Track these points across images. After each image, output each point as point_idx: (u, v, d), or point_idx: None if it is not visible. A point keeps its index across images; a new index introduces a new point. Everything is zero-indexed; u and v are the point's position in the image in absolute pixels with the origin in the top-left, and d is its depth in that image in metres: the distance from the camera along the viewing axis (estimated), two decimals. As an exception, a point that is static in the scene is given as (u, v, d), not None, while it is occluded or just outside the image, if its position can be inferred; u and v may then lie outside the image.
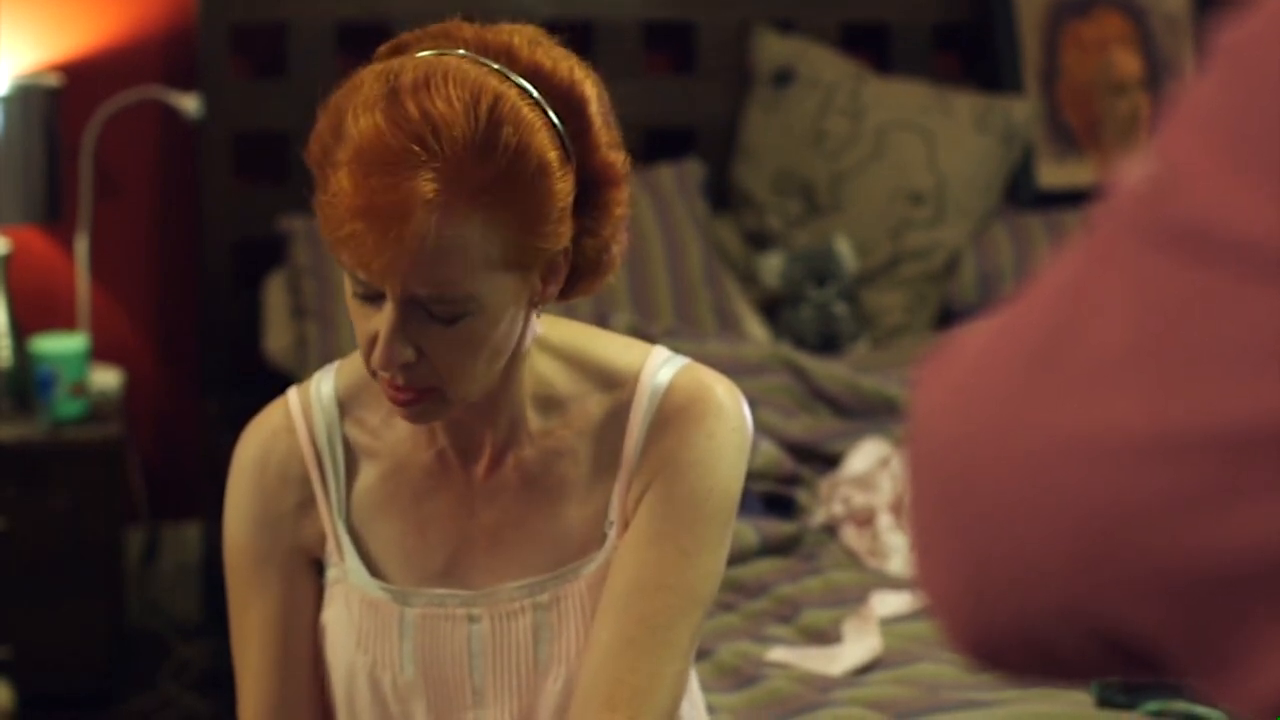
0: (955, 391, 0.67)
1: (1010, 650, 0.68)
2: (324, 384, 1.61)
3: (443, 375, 1.45)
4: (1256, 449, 0.58)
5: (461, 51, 1.43)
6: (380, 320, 1.43)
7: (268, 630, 1.59)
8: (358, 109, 1.39)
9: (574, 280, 1.52)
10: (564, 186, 1.43)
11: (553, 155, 1.41)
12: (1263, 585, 0.59)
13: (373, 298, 1.44)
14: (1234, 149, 0.60)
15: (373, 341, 1.45)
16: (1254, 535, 0.59)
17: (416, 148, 1.36)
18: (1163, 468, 0.60)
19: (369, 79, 1.42)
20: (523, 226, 1.41)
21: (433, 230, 1.37)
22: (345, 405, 1.60)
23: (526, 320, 1.50)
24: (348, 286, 1.46)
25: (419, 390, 1.46)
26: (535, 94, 1.42)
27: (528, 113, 1.41)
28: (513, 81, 1.42)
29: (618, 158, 1.48)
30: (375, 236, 1.37)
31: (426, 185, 1.36)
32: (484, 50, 1.44)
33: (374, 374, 1.48)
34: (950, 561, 0.68)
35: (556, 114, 1.43)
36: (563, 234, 1.45)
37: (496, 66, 1.43)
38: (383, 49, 1.48)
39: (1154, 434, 0.60)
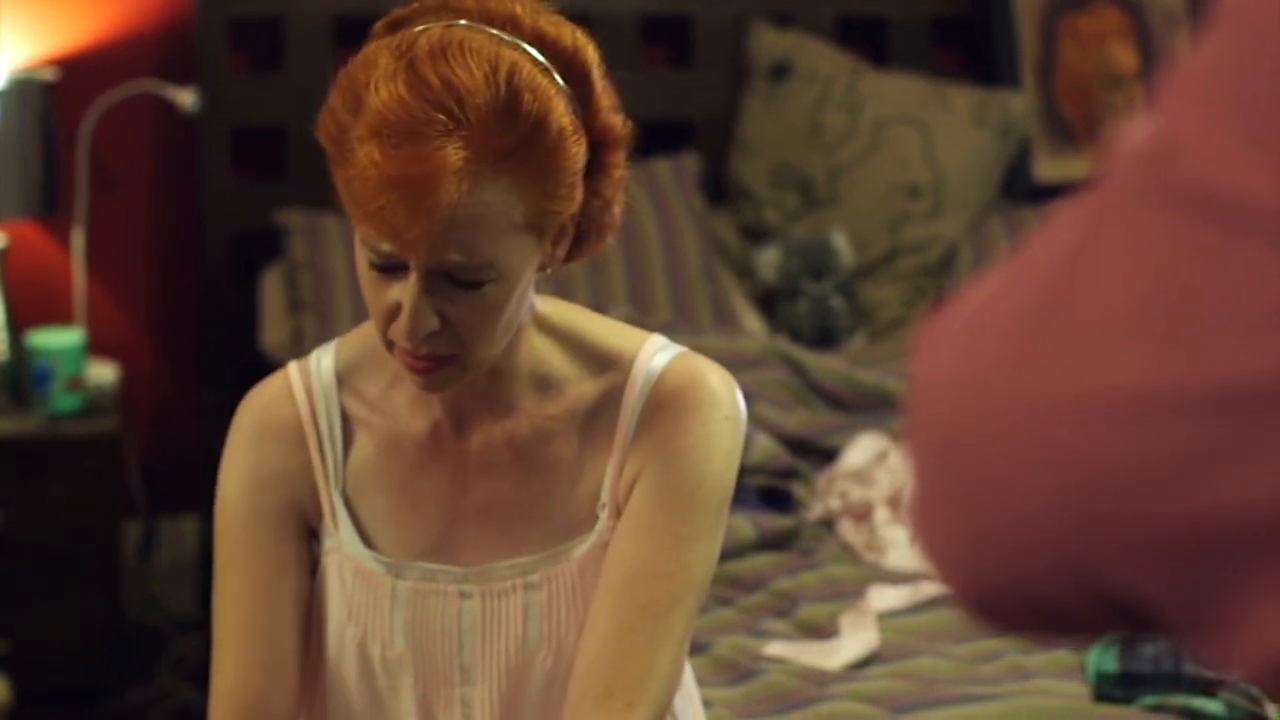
0: (953, 355, 0.68)
1: (1011, 609, 0.69)
2: (324, 359, 1.62)
3: (464, 342, 1.47)
4: (1255, 408, 0.58)
5: (464, 22, 1.45)
6: (402, 291, 1.45)
7: (255, 590, 1.58)
8: (376, 82, 1.41)
9: (576, 243, 1.54)
10: (578, 151, 1.46)
11: (567, 121, 1.45)
12: (1261, 544, 0.59)
13: (392, 269, 1.45)
14: (1236, 110, 0.60)
15: (391, 313, 1.47)
16: (1252, 494, 0.59)
17: (442, 116, 1.39)
18: (1161, 427, 0.60)
19: (382, 52, 1.43)
20: (543, 191, 1.44)
21: (462, 198, 1.40)
22: (343, 378, 1.61)
23: (532, 284, 1.53)
24: (362, 259, 1.47)
25: (438, 358, 1.47)
26: (544, 61, 1.45)
27: (542, 80, 1.44)
28: (523, 49, 1.44)
29: (617, 120, 1.52)
30: (407, 207, 1.39)
31: (455, 154, 1.39)
32: (488, 20, 1.46)
33: (389, 346, 1.49)
34: (951, 522, 0.68)
35: (564, 79, 1.46)
36: (576, 198, 1.48)
37: (504, 35, 1.45)
38: (379, 25, 1.50)
39: (1153, 393, 0.60)
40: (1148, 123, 0.63)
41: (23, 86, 3.50)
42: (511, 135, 1.41)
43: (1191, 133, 0.61)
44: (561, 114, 1.44)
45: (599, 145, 1.50)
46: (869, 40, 4.17)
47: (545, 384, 1.58)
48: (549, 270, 1.52)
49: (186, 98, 3.72)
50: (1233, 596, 0.60)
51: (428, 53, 1.41)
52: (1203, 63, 0.62)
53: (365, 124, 1.40)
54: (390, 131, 1.38)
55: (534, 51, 1.45)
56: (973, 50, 4.24)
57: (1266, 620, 0.59)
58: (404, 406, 1.59)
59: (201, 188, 3.74)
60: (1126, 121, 0.65)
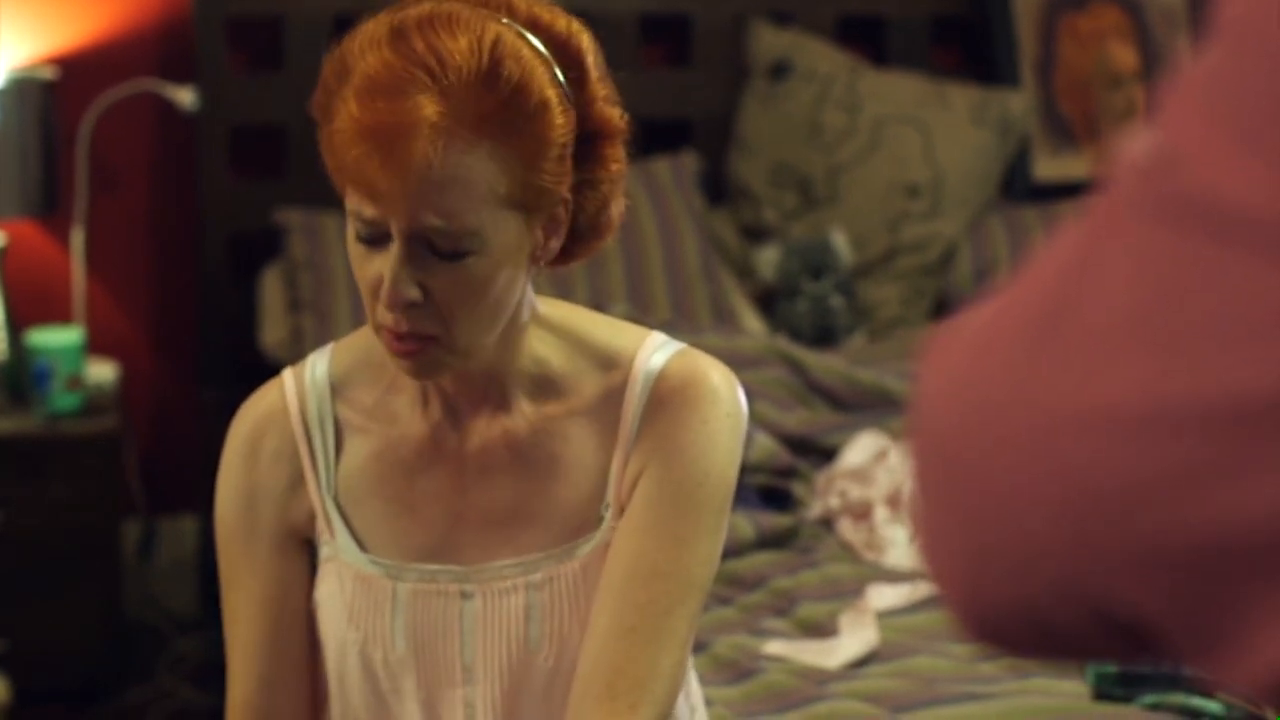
0: (957, 373, 0.68)
1: (1012, 629, 0.68)
2: (319, 365, 1.62)
3: (446, 319, 1.46)
4: (1256, 423, 0.58)
5: (459, 4, 1.47)
6: (384, 261, 1.45)
7: (257, 607, 1.59)
8: (364, 47, 1.44)
9: (573, 240, 1.54)
10: (564, 123, 1.46)
11: (551, 93, 1.45)
12: (1262, 561, 0.59)
13: (376, 240, 1.46)
14: (1236, 122, 0.60)
15: (377, 287, 1.47)
16: (1253, 510, 0.58)
17: (422, 74, 1.41)
18: (1162, 442, 0.60)
19: (373, 23, 1.47)
20: (525, 161, 1.44)
21: (438, 155, 1.40)
22: (338, 385, 1.61)
23: (527, 278, 1.52)
24: (350, 233, 1.48)
25: (421, 339, 1.47)
26: (535, 40, 1.46)
27: (527, 52, 1.45)
28: (513, 27, 1.46)
29: (614, 112, 1.51)
30: (381, 158, 1.40)
31: (430, 107, 1.40)
32: (483, 3, 1.48)
33: (377, 329, 1.49)
34: (953, 541, 0.68)
35: (559, 65, 1.47)
36: (563, 177, 1.47)
37: (497, 14, 1.46)
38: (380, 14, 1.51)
39: (1154, 408, 0.60)
40: (1147, 135, 0.63)
41: (22, 86, 3.49)
42: (490, 99, 1.42)
43: (1191, 144, 0.60)
44: (545, 85, 1.44)
45: (595, 135, 1.50)
46: (868, 39, 4.17)
47: (545, 384, 1.57)
48: (542, 263, 1.52)
49: (186, 97, 3.72)
50: (1235, 613, 0.60)
51: (415, 22, 1.44)
52: (1203, 74, 0.62)
53: (351, 86, 1.42)
54: (369, 87, 1.41)
55: (525, 31, 1.46)
56: (972, 49, 4.24)
57: (1270, 638, 0.59)
58: (402, 411, 1.59)
59: (201, 186, 3.74)
60: (1126, 134, 0.65)
